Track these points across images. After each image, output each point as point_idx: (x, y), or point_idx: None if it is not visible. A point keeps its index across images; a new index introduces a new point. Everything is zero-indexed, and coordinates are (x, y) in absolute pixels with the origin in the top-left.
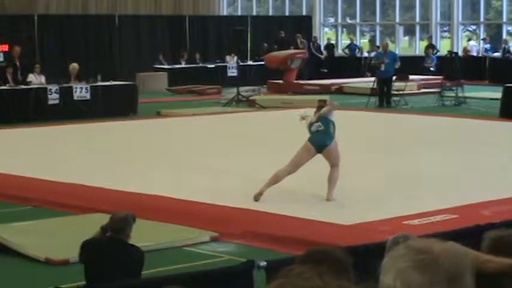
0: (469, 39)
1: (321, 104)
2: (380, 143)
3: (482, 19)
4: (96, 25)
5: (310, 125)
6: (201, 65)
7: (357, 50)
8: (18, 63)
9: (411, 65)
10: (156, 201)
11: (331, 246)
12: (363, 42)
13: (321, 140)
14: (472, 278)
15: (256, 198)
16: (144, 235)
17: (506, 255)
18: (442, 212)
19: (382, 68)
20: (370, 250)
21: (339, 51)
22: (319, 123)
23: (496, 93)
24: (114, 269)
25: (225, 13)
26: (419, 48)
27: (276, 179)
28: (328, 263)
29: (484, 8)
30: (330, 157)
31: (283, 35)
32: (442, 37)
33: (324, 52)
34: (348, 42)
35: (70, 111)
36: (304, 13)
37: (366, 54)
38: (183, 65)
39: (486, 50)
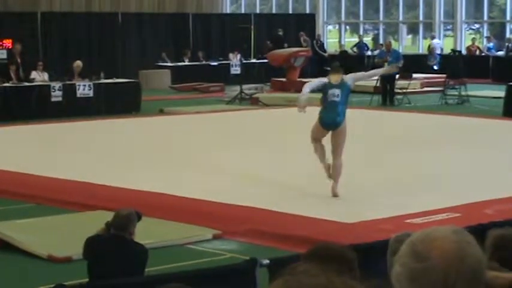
0: (433, 38)
1: (338, 69)
2: (383, 141)
3: (485, 17)
4: (99, 23)
5: (326, 85)
6: (204, 62)
7: (366, 49)
8: (19, 60)
9: (414, 63)
10: (159, 198)
11: (336, 243)
12: (366, 40)
13: (332, 118)
14: (469, 284)
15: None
16: (147, 232)
17: (509, 253)
18: (444, 210)
19: (386, 66)
20: (373, 248)
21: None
22: (339, 90)
23: (500, 91)
24: (116, 267)
25: (228, 11)
26: (422, 46)
27: (319, 153)
28: (334, 261)
29: (488, 6)
30: (338, 138)
31: (280, 33)
32: (445, 35)
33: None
34: (355, 40)
35: (73, 109)
36: (307, 11)
37: (369, 53)
38: (186, 63)
39: (489, 49)
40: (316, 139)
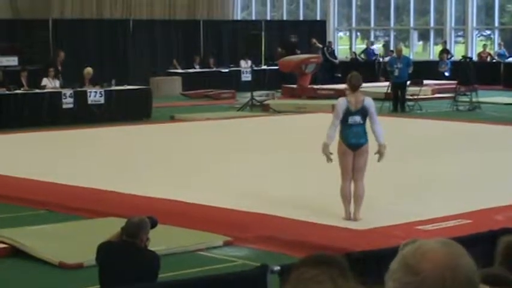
0: (372, 44)
1: (357, 86)
2: (393, 147)
3: (496, 24)
4: (110, 29)
5: (346, 113)
6: (215, 69)
7: (374, 56)
8: (60, 68)
9: (425, 69)
10: (170, 205)
11: (325, 251)
12: (377, 47)
13: (356, 138)
14: None
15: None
16: (158, 239)
17: None
18: (455, 217)
19: (396, 73)
20: (384, 255)
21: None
22: (359, 117)
23: (511, 98)
24: (125, 273)
25: (239, 17)
26: (433, 53)
27: (345, 197)
28: (337, 267)
29: (499, 13)
30: (360, 159)
31: (293, 40)
32: (456, 42)
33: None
34: (364, 46)
35: (84, 115)
36: (318, 18)
37: (380, 59)
38: (197, 70)
39: (500, 55)
40: (347, 173)
